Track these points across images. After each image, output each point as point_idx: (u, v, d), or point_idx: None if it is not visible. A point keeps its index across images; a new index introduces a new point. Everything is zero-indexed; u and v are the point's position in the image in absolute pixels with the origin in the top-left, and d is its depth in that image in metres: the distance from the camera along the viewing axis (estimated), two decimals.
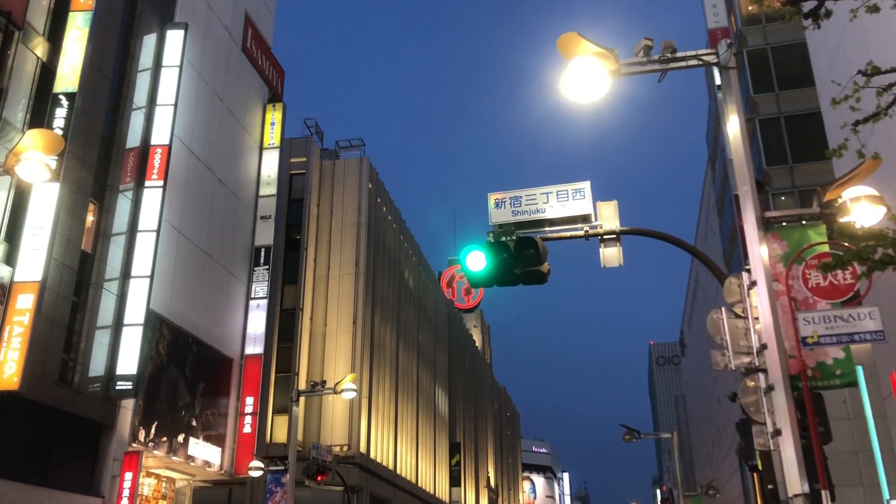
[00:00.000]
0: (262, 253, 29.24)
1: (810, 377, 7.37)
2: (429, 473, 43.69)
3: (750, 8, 31.78)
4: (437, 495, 44.09)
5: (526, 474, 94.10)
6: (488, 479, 61.09)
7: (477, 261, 9.10)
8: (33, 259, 17.30)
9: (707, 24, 34.47)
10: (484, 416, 64.36)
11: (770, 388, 6.87)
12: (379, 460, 33.94)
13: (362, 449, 31.50)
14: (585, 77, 7.55)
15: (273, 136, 30.85)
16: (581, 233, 9.28)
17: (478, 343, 67.53)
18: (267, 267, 29.04)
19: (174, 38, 23.46)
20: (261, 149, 30.54)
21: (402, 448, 38.29)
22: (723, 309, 7.80)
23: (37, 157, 8.86)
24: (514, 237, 9.06)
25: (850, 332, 7.09)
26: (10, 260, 17.26)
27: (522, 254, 9.00)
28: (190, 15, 25.14)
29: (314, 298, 33.69)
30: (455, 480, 48.21)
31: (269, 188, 30.15)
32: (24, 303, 16.90)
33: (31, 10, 18.51)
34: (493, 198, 9.33)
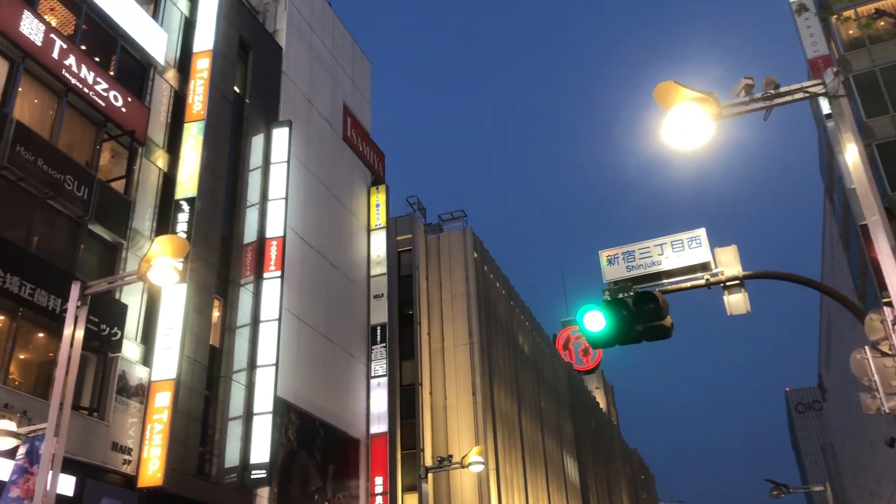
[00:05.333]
0: (378, 331, 29.71)
1: None
2: None
3: (851, 32, 30.66)
4: None
5: None
6: None
7: (595, 321, 8.92)
8: (167, 358, 18.21)
9: (806, 55, 33.39)
10: (617, 481, 61.96)
11: None
12: None
13: None
14: (687, 124, 7.42)
15: (379, 216, 31.71)
16: (702, 282, 8.97)
17: (602, 405, 65.61)
18: (384, 344, 29.43)
19: (280, 135, 24.75)
20: (368, 230, 31.41)
21: None
22: (867, 348, 7.28)
23: (166, 262, 9.41)
24: (631, 293, 8.85)
25: None
26: (147, 361, 18.23)
27: (642, 309, 8.76)
28: (292, 112, 26.52)
29: (432, 372, 33.83)
30: None
31: (379, 267, 30.83)
32: (162, 401, 17.74)
33: (150, 126, 20.00)
34: (604, 255, 9.19)
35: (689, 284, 9.02)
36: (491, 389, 34.11)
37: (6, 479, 12.39)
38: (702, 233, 9.06)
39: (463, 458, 20.11)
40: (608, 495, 56.80)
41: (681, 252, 8.99)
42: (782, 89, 7.60)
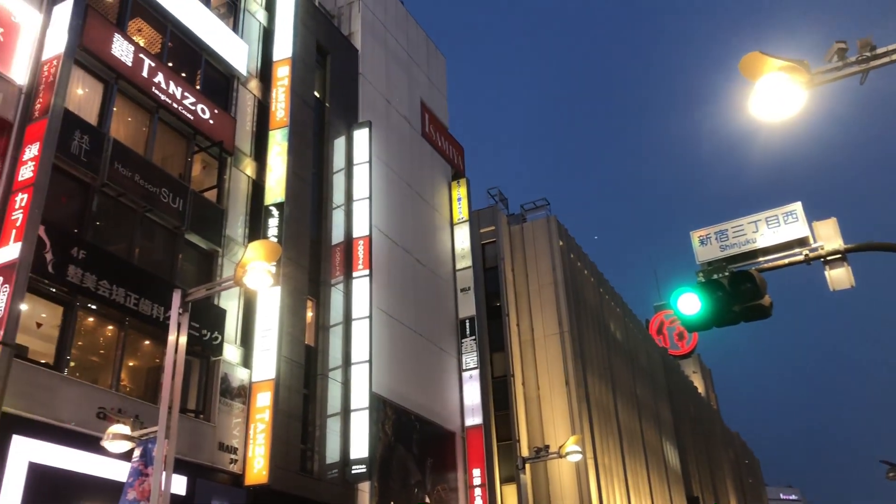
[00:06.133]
0: (467, 324, 29.83)
1: None
2: None
3: None
4: None
5: None
6: None
7: (690, 304, 8.70)
8: (266, 359, 18.80)
9: None
10: (720, 467, 60.36)
11: None
12: None
13: None
14: (776, 94, 7.14)
15: (461, 210, 31.82)
16: (801, 258, 8.61)
17: (700, 390, 64.02)
18: (474, 337, 29.54)
19: (360, 137, 25.14)
20: (451, 225, 31.55)
21: None
22: None
23: (260, 267, 9.70)
24: (726, 273, 8.58)
25: None
26: (247, 362, 18.87)
27: (739, 289, 8.48)
28: (371, 113, 26.88)
29: (523, 363, 33.74)
30: None
31: (464, 261, 30.94)
32: (263, 400, 18.32)
33: (237, 135, 20.64)
34: (696, 235, 8.94)
35: (787, 261, 8.68)
36: (584, 378, 33.76)
37: (118, 479, 13.09)
38: (797, 207, 8.70)
39: (560, 447, 19.98)
40: (711, 481, 55.38)
41: (776, 228, 8.66)
42: (879, 50, 7.20)
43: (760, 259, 8.75)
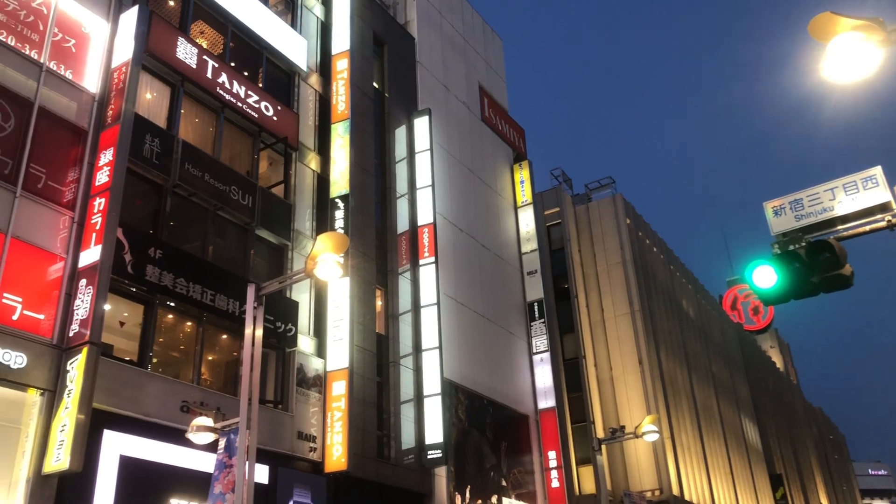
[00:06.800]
0: (535, 307, 29.71)
1: None
2: None
3: None
4: None
5: (867, 501, 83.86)
6: None
7: (766, 277, 8.45)
8: (339, 349, 19.13)
9: None
10: (803, 443, 58.79)
11: None
12: (695, 501, 32.23)
13: (675, 491, 30.16)
14: (849, 56, 6.85)
15: (524, 193, 31.63)
16: (883, 224, 8.26)
17: (779, 365, 62.39)
18: (543, 320, 29.41)
19: (420, 125, 25.21)
20: (515, 208, 31.41)
21: (717, 487, 36.07)
22: None
23: (329, 258, 9.85)
24: (803, 244, 8.31)
25: None
26: (321, 352, 19.23)
27: (817, 260, 8.20)
28: (430, 100, 26.92)
29: (594, 344, 33.44)
30: None
31: (529, 244, 30.79)
32: (339, 389, 18.66)
33: (301, 130, 20.96)
34: (769, 206, 8.68)
35: (867, 228, 8.35)
36: (658, 357, 33.27)
37: (203, 469, 13.56)
38: (877, 171, 8.34)
39: (636, 428, 19.77)
40: (794, 458, 53.98)
41: (855, 195, 8.33)
42: None
43: (839, 227, 8.43)
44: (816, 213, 8.43)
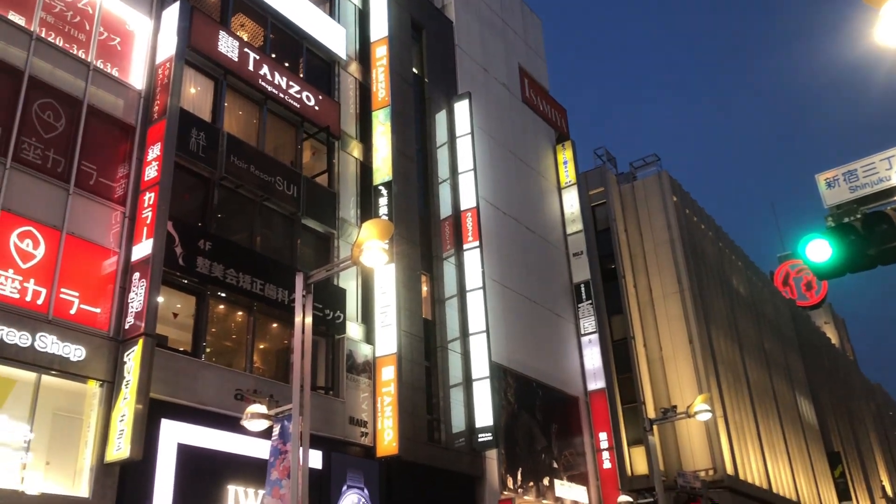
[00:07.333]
0: (583, 289, 29.51)
1: None
2: (810, 490, 39.89)
3: None
4: None
5: None
6: (882, 488, 54.11)
7: (820, 250, 8.24)
8: (387, 334, 19.28)
9: None
10: (861, 420, 57.51)
11: None
12: (750, 481, 31.80)
13: (729, 471, 29.79)
14: None
15: (568, 174, 31.35)
16: None
17: (834, 340, 61.04)
18: (590, 302, 29.21)
19: (461, 108, 25.12)
20: (559, 189, 31.17)
21: (773, 466, 35.52)
22: None
23: (375, 245, 9.89)
24: (858, 215, 8.08)
25: None
26: (369, 338, 19.40)
27: (874, 231, 7.97)
28: (470, 83, 26.79)
29: (643, 324, 33.09)
30: (843, 494, 43.44)
31: (574, 225, 30.54)
32: (388, 374, 18.82)
33: (342, 119, 21.07)
34: (822, 178, 8.44)
35: None
36: (709, 336, 32.79)
37: (258, 455, 13.81)
38: None
39: (688, 407, 19.52)
40: (853, 435, 52.84)
41: None
42: None
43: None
44: (872, 184, 8.17)
